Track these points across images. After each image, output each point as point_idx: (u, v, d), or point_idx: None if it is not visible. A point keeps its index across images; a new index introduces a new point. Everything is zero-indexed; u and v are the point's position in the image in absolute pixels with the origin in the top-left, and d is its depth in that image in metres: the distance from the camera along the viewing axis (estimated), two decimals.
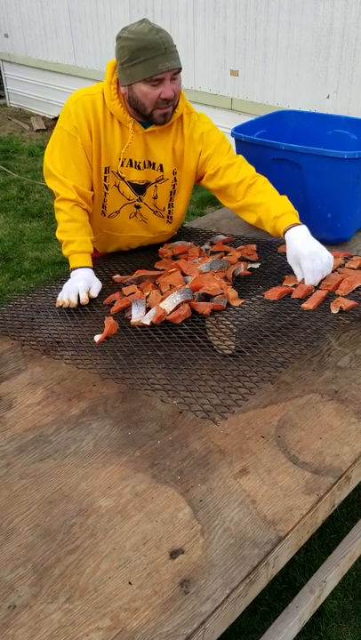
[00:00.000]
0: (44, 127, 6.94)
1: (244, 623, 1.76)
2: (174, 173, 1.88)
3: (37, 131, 6.86)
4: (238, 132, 2.21)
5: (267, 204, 1.79)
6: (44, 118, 7.28)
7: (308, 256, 1.66)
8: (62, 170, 1.81)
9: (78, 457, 1.25)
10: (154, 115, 1.74)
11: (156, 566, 1.01)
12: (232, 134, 2.22)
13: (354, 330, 1.67)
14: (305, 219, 2.16)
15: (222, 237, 2.11)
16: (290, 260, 1.72)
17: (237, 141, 2.23)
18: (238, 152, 2.28)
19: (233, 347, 1.49)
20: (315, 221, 2.15)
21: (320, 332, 1.51)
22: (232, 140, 2.23)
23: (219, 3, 4.66)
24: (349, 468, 1.21)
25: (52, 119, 7.18)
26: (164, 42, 1.63)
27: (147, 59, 1.63)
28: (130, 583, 0.98)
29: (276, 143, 2.12)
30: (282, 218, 1.75)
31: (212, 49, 4.89)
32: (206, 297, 1.67)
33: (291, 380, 1.48)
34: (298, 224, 1.74)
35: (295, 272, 1.71)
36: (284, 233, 1.73)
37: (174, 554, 1.03)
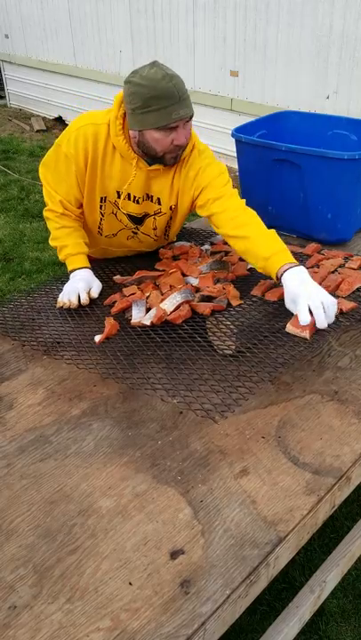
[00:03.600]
0: (45, 128, 6.94)
1: (244, 623, 1.76)
2: (171, 209, 1.85)
3: (38, 131, 6.86)
4: (238, 132, 2.22)
5: (253, 240, 1.65)
6: (44, 119, 7.28)
7: (309, 296, 1.49)
8: (53, 184, 1.82)
9: (79, 457, 1.25)
10: (165, 158, 1.69)
11: (156, 567, 1.01)
12: (232, 135, 2.22)
13: (354, 330, 1.67)
14: (305, 219, 2.17)
15: (222, 237, 2.11)
16: (288, 305, 1.56)
17: (238, 142, 2.23)
18: (238, 153, 2.28)
19: (233, 347, 1.49)
20: (315, 222, 2.15)
21: (320, 333, 1.51)
22: (232, 141, 2.24)
23: (219, 3, 4.66)
24: (350, 469, 1.21)
25: (53, 119, 7.19)
26: (177, 89, 1.57)
27: (160, 107, 1.58)
28: (130, 584, 0.99)
29: (276, 144, 2.12)
30: (274, 258, 1.60)
31: (212, 49, 4.89)
32: (208, 299, 1.67)
33: (291, 381, 1.48)
34: (294, 264, 1.58)
35: (298, 315, 1.51)
36: (281, 276, 1.57)
37: (175, 554, 1.03)
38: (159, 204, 1.83)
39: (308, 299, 1.48)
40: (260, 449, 1.26)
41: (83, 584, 0.99)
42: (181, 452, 1.25)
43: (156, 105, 1.57)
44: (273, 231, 1.69)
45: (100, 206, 1.83)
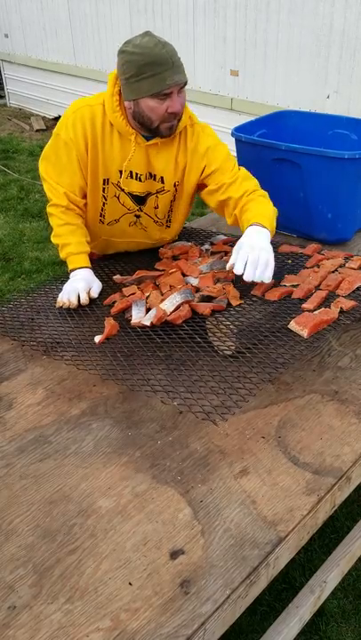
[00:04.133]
0: (44, 127, 6.94)
1: (244, 623, 1.76)
2: (175, 185, 1.86)
3: (37, 131, 6.86)
4: (238, 132, 2.21)
5: (250, 211, 1.75)
6: (44, 118, 7.28)
7: (247, 246, 1.60)
8: (55, 176, 1.81)
9: (78, 457, 1.25)
10: (160, 128, 1.71)
11: (156, 567, 1.01)
12: (232, 134, 2.21)
13: (354, 330, 1.67)
14: (305, 219, 2.17)
15: (222, 237, 2.11)
16: (233, 248, 1.65)
17: (237, 141, 2.23)
18: (238, 152, 2.28)
19: (233, 347, 1.49)
20: (315, 221, 2.15)
21: (320, 333, 1.51)
22: (232, 141, 2.23)
23: (219, 3, 4.66)
24: (350, 469, 1.21)
25: (52, 119, 7.18)
26: (170, 56, 1.60)
27: (154, 74, 1.60)
28: (130, 584, 0.98)
29: (276, 143, 2.12)
30: (252, 219, 1.70)
31: (212, 49, 4.89)
32: (209, 299, 1.67)
33: (291, 381, 1.48)
34: (261, 225, 1.68)
35: (231, 257, 1.64)
36: (246, 229, 1.69)
37: (174, 554, 1.03)
38: (162, 182, 1.84)
39: (250, 252, 1.59)
40: (260, 449, 1.26)
41: (82, 584, 0.99)
42: (181, 452, 1.25)
43: (150, 71, 1.60)
44: (274, 209, 1.80)
45: (103, 189, 1.83)
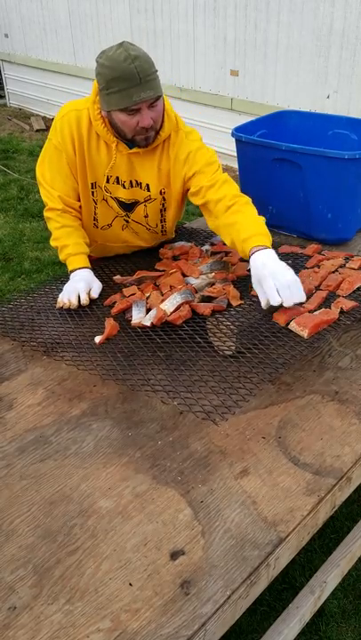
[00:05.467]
0: (44, 127, 6.94)
1: (244, 623, 1.76)
2: (162, 193, 1.85)
3: (37, 131, 6.86)
4: (239, 132, 2.21)
5: (239, 225, 1.66)
6: (44, 118, 7.28)
7: (269, 275, 1.51)
8: (50, 180, 1.82)
9: (79, 458, 1.25)
10: (135, 139, 1.71)
11: (156, 567, 1.01)
12: (232, 134, 2.21)
13: (355, 330, 1.67)
14: (305, 219, 2.17)
15: None
16: (254, 285, 1.57)
17: (238, 142, 2.23)
18: (238, 152, 2.28)
19: (233, 347, 1.49)
20: (315, 221, 2.15)
21: (320, 333, 1.51)
22: (232, 141, 2.23)
23: (219, 3, 4.66)
24: (350, 469, 1.21)
25: (52, 119, 7.18)
26: (139, 71, 1.56)
27: (120, 90, 1.58)
28: (130, 584, 0.98)
29: (276, 143, 2.12)
30: (250, 240, 1.60)
31: (212, 49, 4.89)
32: (209, 299, 1.67)
33: (291, 381, 1.48)
34: (264, 246, 1.58)
35: (258, 295, 1.55)
36: (250, 256, 1.59)
37: (175, 555, 1.03)
38: (148, 190, 1.83)
39: (273, 279, 1.50)
40: (261, 449, 1.26)
41: (83, 585, 0.98)
42: (181, 453, 1.25)
43: (117, 86, 1.59)
44: (261, 218, 1.70)
45: (92, 192, 1.84)
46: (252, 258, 1.57)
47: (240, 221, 1.67)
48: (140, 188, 1.83)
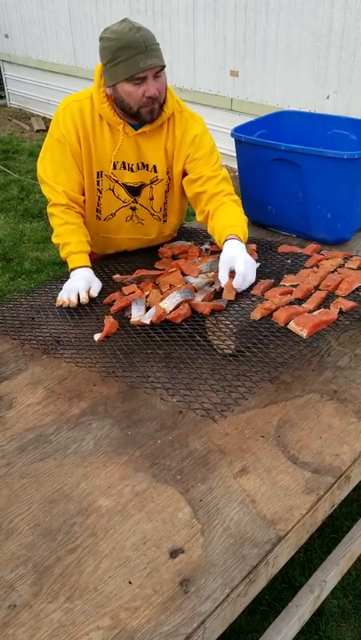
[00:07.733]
0: (45, 127, 6.94)
1: (244, 622, 1.76)
2: (168, 173, 1.89)
3: (38, 131, 6.86)
4: (238, 132, 2.22)
5: (223, 215, 1.79)
6: (44, 118, 7.28)
7: (243, 261, 1.66)
8: (53, 176, 1.83)
9: (78, 456, 1.25)
10: (140, 112, 1.73)
11: (156, 566, 1.01)
12: (232, 135, 2.22)
13: (353, 330, 1.67)
14: (304, 219, 2.17)
15: None
16: (220, 263, 1.70)
17: (237, 142, 2.23)
18: (238, 152, 2.28)
19: (233, 346, 1.49)
20: (314, 221, 2.15)
21: (319, 333, 1.51)
22: (232, 141, 2.24)
23: (219, 3, 4.66)
24: (349, 468, 1.21)
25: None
26: (144, 40, 1.62)
27: (127, 58, 1.63)
28: (130, 582, 0.99)
29: (275, 143, 2.12)
30: (227, 229, 1.74)
31: (212, 49, 4.89)
32: (215, 295, 1.69)
33: (290, 380, 1.48)
34: (237, 237, 1.72)
35: (220, 276, 1.69)
36: (224, 242, 1.73)
37: (174, 553, 1.03)
38: (155, 171, 1.86)
39: (243, 264, 1.65)
40: (260, 448, 1.26)
41: (82, 583, 0.99)
42: (181, 452, 1.25)
43: (124, 55, 1.63)
44: (244, 217, 1.84)
45: (98, 182, 1.85)
46: (226, 244, 1.72)
47: (225, 213, 1.81)
48: (147, 169, 1.85)
